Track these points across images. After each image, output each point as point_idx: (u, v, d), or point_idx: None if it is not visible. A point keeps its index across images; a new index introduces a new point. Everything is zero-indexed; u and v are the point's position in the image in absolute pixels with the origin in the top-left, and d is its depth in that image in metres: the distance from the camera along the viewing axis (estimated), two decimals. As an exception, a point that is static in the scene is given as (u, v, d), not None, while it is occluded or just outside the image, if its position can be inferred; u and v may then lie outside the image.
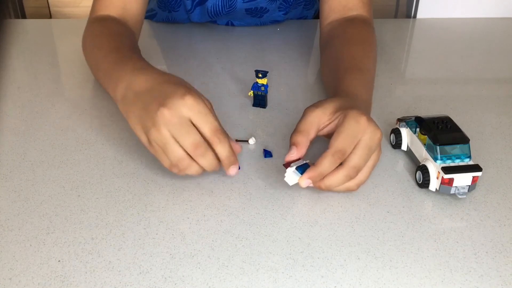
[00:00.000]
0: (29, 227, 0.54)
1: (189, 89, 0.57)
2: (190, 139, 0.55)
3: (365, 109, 0.63)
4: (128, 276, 0.49)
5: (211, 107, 0.59)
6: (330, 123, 0.60)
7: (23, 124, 0.72)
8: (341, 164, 0.56)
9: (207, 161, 0.57)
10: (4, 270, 0.50)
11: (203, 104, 0.56)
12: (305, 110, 0.60)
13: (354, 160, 0.56)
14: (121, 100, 0.63)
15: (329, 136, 0.59)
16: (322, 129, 0.60)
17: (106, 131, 0.70)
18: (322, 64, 0.83)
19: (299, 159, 0.58)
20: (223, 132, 0.57)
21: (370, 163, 0.58)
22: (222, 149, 0.57)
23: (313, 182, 0.56)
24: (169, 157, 0.56)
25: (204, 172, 0.59)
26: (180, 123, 0.55)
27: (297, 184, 0.58)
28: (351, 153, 0.56)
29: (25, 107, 0.76)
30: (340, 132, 0.56)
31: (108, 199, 0.58)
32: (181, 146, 0.56)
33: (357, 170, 0.56)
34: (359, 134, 0.56)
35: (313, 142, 0.60)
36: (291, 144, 0.59)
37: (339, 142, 0.56)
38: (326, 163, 0.55)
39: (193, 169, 0.57)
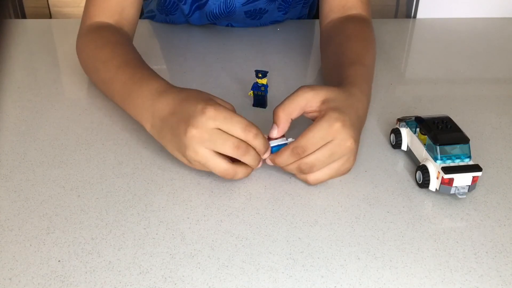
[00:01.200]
0: (29, 227, 0.54)
1: (206, 101, 0.58)
2: (228, 145, 0.57)
3: (358, 111, 0.62)
4: (128, 276, 0.49)
5: (233, 108, 0.61)
6: (316, 110, 0.60)
7: (23, 124, 0.72)
8: None
9: (251, 156, 0.58)
10: (4, 270, 0.50)
11: (225, 109, 0.57)
12: (299, 87, 0.61)
13: (310, 157, 0.57)
14: (151, 129, 0.63)
15: (313, 120, 0.60)
16: (309, 113, 0.61)
17: (106, 131, 0.70)
18: (323, 61, 0.83)
19: (283, 136, 0.61)
20: (253, 126, 0.58)
21: (334, 165, 0.58)
22: (259, 142, 0.58)
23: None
24: (215, 172, 0.58)
25: (251, 171, 0.60)
26: (211, 136, 0.56)
27: (297, 184, 0.58)
28: (313, 151, 0.57)
29: (25, 107, 0.76)
30: (309, 129, 0.57)
31: (108, 199, 0.58)
32: (221, 156, 0.58)
33: (310, 167, 0.58)
34: (328, 138, 0.56)
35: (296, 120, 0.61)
36: (274, 121, 0.60)
37: (303, 140, 0.57)
38: (284, 155, 0.58)
39: (241, 173, 0.59)
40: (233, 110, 0.60)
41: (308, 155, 0.57)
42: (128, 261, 0.51)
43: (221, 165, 0.57)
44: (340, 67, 0.72)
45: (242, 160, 0.58)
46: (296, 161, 0.58)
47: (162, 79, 0.66)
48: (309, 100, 0.60)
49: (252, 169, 0.60)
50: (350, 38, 0.78)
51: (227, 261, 0.51)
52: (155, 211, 0.57)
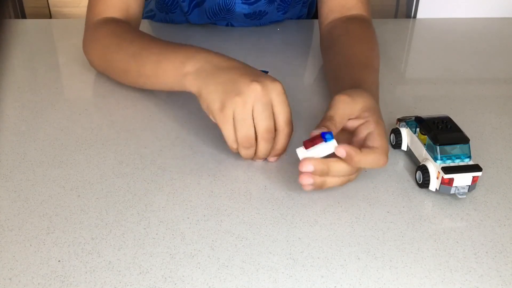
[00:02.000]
0: (29, 227, 0.54)
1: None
2: (267, 123, 0.59)
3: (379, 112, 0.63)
4: (128, 276, 0.49)
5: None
6: (357, 118, 0.59)
7: (23, 124, 0.72)
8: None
9: (267, 148, 0.61)
10: (4, 270, 0.50)
11: (286, 95, 0.60)
12: (335, 97, 0.60)
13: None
14: (194, 71, 0.63)
15: (346, 130, 0.60)
16: (346, 125, 0.60)
17: (106, 131, 0.70)
18: (326, 61, 0.82)
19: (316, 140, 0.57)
20: (292, 125, 0.62)
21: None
22: (284, 141, 0.61)
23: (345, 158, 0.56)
24: (239, 131, 0.59)
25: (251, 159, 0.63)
26: (266, 104, 0.58)
27: (297, 184, 0.58)
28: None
29: (25, 107, 0.76)
30: (378, 132, 0.57)
31: (108, 199, 0.58)
32: (254, 125, 0.59)
33: (349, 180, 0.59)
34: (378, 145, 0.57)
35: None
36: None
37: (385, 142, 0.56)
38: (369, 157, 0.55)
39: (249, 152, 0.61)
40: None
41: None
42: (128, 261, 0.51)
43: (250, 131, 0.59)
44: (351, 69, 0.71)
45: (260, 143, 0.60)
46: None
47: None
48: (351, 109, 0.59)
49: (253, 157, 0.62)
50: (355, 40, 0.78)
51: (227, 261, 0.51)
52: (155, 211, 0.57)
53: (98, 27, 0.79)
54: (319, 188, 0.57)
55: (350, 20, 0.82)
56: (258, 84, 0.58)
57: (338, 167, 0.56)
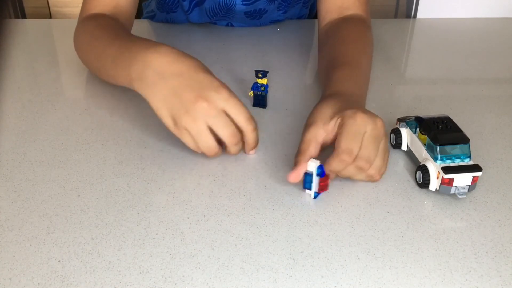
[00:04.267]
0: (29, 227, 0.54)
1: (220, 81, 0.61)
2: (228, 130, 0.60)
3: (357, 104, 0.63)
4: (128, 276, 0.49)
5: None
6: (328, 133, 0.60)
7: (23, 124, 0.72)
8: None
9: (238, 148, 0.62)
10: (4, 270, 0.49)
11: (235, 96, 0.61)
12: (305, 130, 0.61)
13: (363, 152, 0.57)
14: (137, 78, 0.63)
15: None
16: (325, 142, 0.61)
17: (106, 131, 0.70)
18: (318, 63, 0.83)
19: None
20: (254, 119, 0.62)
21: (382, 147, 0.59)
22: (253, 136, 0.62)
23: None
24: (199, 145, 0.60)
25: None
26: (218, 115, 0.59)
27: (297, 184, 0.58)
28: (361, 148, 0.57)
29: (25, 107, 0.76)
30: (342, 133, 0.58)
31: (108, 199, 0.58)
32: (214, 136, 0.60)
33: (366, 161, 0.58)
34: (361, 130, 0.57)
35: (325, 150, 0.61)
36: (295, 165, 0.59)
37: (343, 143, 0.57)
38: (333, 163, 0.57)
39: (217, 155, 0.62)
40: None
41: (359, 152, 0.57)
42: (128, 261, 0.51)
43: (211, 142, 0.60)
44: (329, 70, 0.72)
45: (229, 148, 0.62)
46: (350, 164, 0.58)
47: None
48: (316, 133, 0.60)
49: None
50: (343, 40, 0.78)
51: (227, 261, 0.51)
52: (155, 211, 0.57)
53: (82, 23, 0.80)
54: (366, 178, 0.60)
55: (345, 20, 0.82)
56: (203, 101, 0.59)
57: (337, 166, 0.58)
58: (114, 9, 0.81)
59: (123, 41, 0.70)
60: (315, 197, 0.58)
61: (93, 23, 0.78)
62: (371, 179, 0.60)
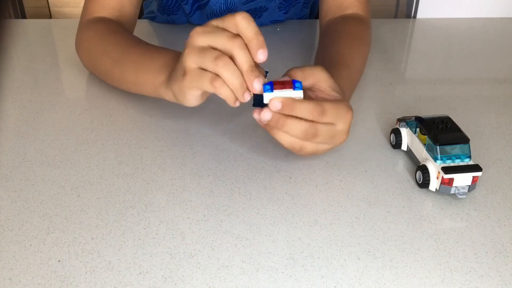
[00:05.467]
0: (29, 227, 0.54)
1: None
2: (209, 55, 0.55)
3: None
4: (128, 276, 0.49)
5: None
6: (325, 92, 0.60)
7: (23, 124, 0.72)
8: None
9: (231, 70, 0.55)
10: (4, 270, 0.50)
11: (213, 26, 0.57)
12: (321, 67, 0.60)
13: (321, 125, 0.56)
14: (167, 79, 0.63)
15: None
16: (315, 91, 0.60)
17: (106, 131, 0.70)
18: (314, 61, 0.84)
19: (286, 85, 0.57)
20: (240, 37, 0.57)
21: (324, 146, 0.59)
22: (244, 54, 0.57)
23: (274, 120, 0.55)
24: (206, 58, 0.55)
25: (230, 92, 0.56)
26: (201, 50, 0.55)
27: (297, 184, 0.58)
28: (324, 122, 0.56)
29: (25, 107, 0.76)
30: (333, 102, 0.57)
31: (108, 199, 0.58)
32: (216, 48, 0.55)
33: (314, 135, 0.56)
34: (339, 120, 0.57)
35: None
36: (287, 74, 0.60)
37: (326, 105, 0.56)
38: (304, 106, 0.55)
39: (230, 68, 0.56)
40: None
41: (319, 123, 0.56)
42: (128, 261, 0.51)
43: (214, 51, 0.55)
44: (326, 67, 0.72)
45: (222, 74, 0.55)
46: (306, 121, 0.56)
47: (176, 51, 0.67)
48: (325, 81, 0.60)
49: (231, 90, 0.56)
50: (338, 38, 0.78)
51: (227, 261, 0.51)
52: (155, 211, 0.57)
53: (88, 27, 0.79)
54: (297, 151, 0.58)
55: (343, 19, 0.83)
56: (185, 50, 0.56)
57: (303, 107, 0.55)
58: (119, 13, 0.80)
59: (144, 48, 0.71)
60: (265, 91, 0.55)
61: (101, 27, 0.77)
62: (296, 150, 0.58)
